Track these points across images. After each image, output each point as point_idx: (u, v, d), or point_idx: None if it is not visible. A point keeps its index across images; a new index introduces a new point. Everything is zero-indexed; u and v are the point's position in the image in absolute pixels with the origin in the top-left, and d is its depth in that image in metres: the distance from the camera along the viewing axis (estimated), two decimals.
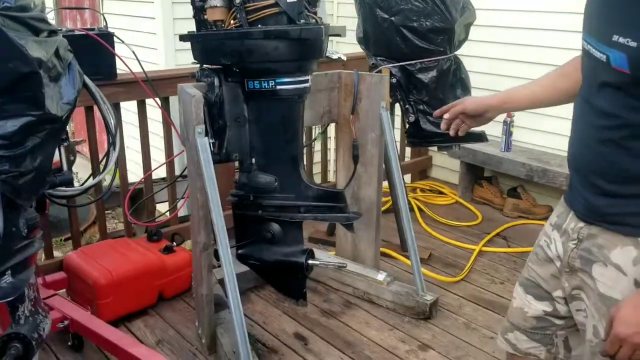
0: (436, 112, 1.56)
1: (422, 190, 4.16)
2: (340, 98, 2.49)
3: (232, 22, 1.85)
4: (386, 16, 2.71)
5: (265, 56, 1.84)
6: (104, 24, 2.50)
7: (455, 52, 2.85)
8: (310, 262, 2.09)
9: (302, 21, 1.83)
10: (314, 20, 1.88)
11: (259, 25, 1.82)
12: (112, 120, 1.92)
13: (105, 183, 2.24)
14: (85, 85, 1.87)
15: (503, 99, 1.50)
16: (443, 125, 1.54)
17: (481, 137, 3.01)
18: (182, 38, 1.96)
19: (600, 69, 1.12)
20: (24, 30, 1.42)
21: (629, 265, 1.12)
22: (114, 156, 1.92)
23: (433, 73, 2.80)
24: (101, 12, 5.26)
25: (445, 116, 1.53)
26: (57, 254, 2.90)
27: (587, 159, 1.20)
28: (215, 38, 1.88)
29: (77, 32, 2.34)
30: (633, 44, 1.04)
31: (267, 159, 2.03)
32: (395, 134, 2.90)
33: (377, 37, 2.79)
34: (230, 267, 1.84)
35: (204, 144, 1.87)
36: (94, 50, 2.37)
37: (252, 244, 2.15)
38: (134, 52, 2.41)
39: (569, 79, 1.34)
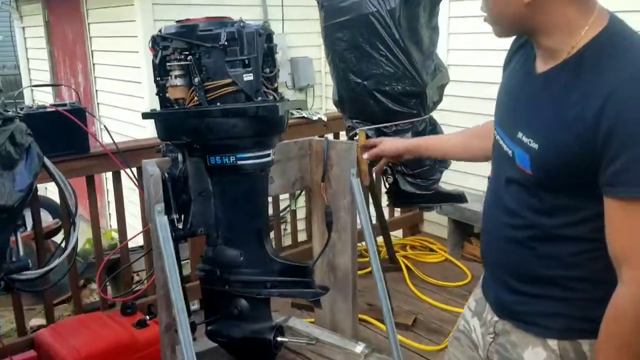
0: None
1: (412, 247, 4.11)
2: (312, 165, 2.47)
3: (192, 100, 1.86)
4: (359, 80, 2.73)
5: (225, 133, 1.83)
6: (78, 99, 2.53)
7: (430, 113, 2.86)
8: (278, 339, 2.03)
9: (260, 98, 1.83)
10: (272, 97, 1.88)
11: (218, 104, 1.82)
12: (72, 200, 1.91)
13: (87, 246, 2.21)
14: (44, 166, 1.88)
15: (418, 145, 1.65)
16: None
17: (461, 199, 2.99)
18: (144, 116, 1.96)
19: (507, 163, 1.12)
20: None
21: None
22: (74, 237, 1.89)
23: (408, 135, 2.79)
24: (92, 63, 5.37)
25: (365, 156, 1.72)
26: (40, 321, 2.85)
27: (495, 255, 1.19)
28: (176, 116, 1.88)
29: (48, 109, 2.36)
30: (535, 145, 1.04)
31: (231, 232, 2.00)
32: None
33: (352, 100, 2.82)
34: (190, 351, 1.78)
35: (164, 223, 1.85)
36: (66, 126, 2.39)
37: (221, 320, 2.09)
38: (105, 127, 2.45)
39: (483, 139, 1.34)
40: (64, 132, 2.39)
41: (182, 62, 1.83)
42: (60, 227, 4.45)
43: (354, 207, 2.40)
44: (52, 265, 1.95)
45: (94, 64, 5.30)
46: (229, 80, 1.80)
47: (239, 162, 1.89)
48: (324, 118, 3.47)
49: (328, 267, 2.52)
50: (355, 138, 3.12)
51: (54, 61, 6.26)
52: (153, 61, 1.91)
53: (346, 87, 2.80)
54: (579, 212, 1.04)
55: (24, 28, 6.92)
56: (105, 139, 2.53)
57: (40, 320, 3.55)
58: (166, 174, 1.95)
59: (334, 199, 2.43)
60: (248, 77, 1.81)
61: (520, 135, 1.07)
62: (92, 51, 5.28)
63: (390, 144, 1.63)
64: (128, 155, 2.48)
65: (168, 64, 1.87)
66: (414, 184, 2.95)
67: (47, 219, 4.66)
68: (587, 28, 1.01)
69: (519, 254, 1.11)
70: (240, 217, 1.99)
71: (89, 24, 5.16)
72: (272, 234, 3.26)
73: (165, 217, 1.86)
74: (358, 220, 2.39)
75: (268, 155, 1.94)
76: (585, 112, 0.97)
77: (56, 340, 2.37)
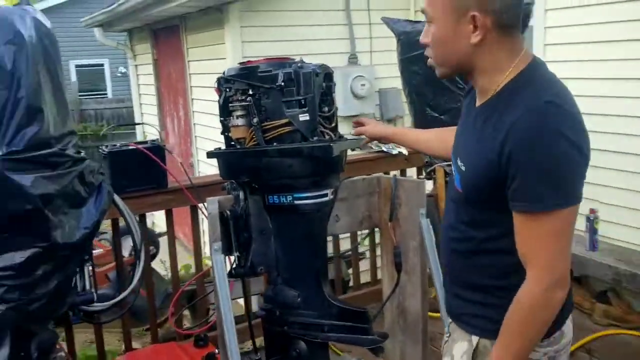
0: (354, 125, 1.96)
1: None
2: (381, 203, 2.39)
3: (251, 140, 1.87)
4: (436, 115, 2.65)
5: (281, 173, 1.82)
6: (158, 138, 2.66)
7: None
8: None
9: (316, 138, 1.81)
10: (329, 137, 1.85)
11: (275, 144, 1.82)
12: (137, 236, 1.98)
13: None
14: (114, 203, 1.97)
15: (395, 132, 1.94)
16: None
17: None
18: (209, 155, 2.01)
19: (452, 185, 1.32)
20: (35, 168, 1.52)
21: (458, 357, 1.32)
22: (139, 270, 1.96)
23: None
24: (190, 98, 5.67)
25: (352, 133, 1.92)
26: (135, 344, 2.99)
27: (445, 265, 1.40)
28: (235, 155, 1.90)
29: (130, 147, 2.49)
30: (464, 168, 1.23)
31: (290, 272, 1.97)
32: None
33: None
34: None
35: (220, 262, 1.86)
36: (147, 162, 2.51)
37: None
38: (181, 164, 2.53)
39: (444, 143, 1.54)
40: (144, 168, 2.52)
41: (243, 103, 1.86)
42: (154, 254, 4.71)
43: (423, 249, 2.28)
44: (116, 299, 2.03)
45: (192, 99, 5.61)
46: (285, 121, 1.80)
47: (296, 202, 1.86)
48: (405, 152, 3.37)
49: (398, 310, 2.41)
50: (433, 174, 3.00)
51: (160, 96, 6.72)
52: (218, 101, 1.96)
53: (423, 120, 2.72)
54: (499, 225, 1.18)
55: (136, 66, 7.52)
56: (203, 170, 2.61)
57: (135, 344, 3.74)
58: (228, 212, 1.97)
59: (403, 239, 2.33)
60: (304, 117, 1.79)
61: (458, 160, 1.26)
62: (190, 87, 5.60)
63: (373, 128, 1.89)
64: (202, 190, 2.55)
65: (230, 104, 1.90)
66: None
67: None
68: (510, 70, 1.18)
69: (460, 264, 1.30)
70: (297, 257, 1.96)
71: (188, 61, 5.49)
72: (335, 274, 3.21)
73: (222, 255, 1.87)
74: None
75: (325, 195, 1.90)
76: (495, 141, 1.14)
77: None
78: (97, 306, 1.90)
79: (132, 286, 1.99)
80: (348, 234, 3.30)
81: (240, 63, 1.93)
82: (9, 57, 1.48)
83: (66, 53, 14.19)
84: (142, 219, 2.64)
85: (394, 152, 3.37)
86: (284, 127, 1.81)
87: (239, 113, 1.88)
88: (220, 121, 1.99)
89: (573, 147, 1.09)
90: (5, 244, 1.48)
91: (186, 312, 5.04)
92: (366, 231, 3.37)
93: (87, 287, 1.84)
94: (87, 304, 1.83)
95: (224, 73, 1.93)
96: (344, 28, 4.74)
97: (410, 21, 3.04)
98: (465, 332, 1.31)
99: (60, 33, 13.97)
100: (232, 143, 1.94)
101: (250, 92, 1.83)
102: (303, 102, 1.79)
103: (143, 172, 2.52)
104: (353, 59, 4.92)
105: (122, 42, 7.63)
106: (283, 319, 2.00)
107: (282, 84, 1.78)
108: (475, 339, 1.28)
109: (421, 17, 1.47)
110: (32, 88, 1.52)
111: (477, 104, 1.26)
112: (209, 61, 4.98)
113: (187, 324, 4.47)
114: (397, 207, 2.31)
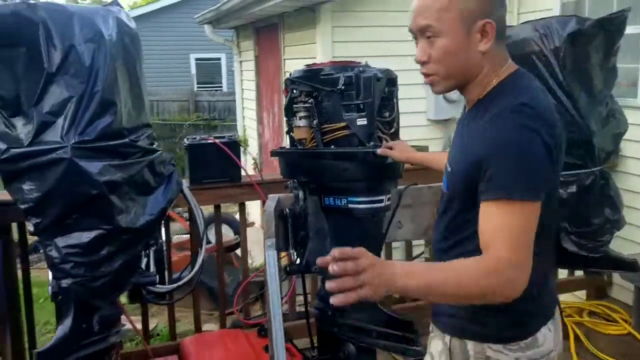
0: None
1: (592, 313, 3.58)
2: None
3: (311, 141, 1.90)
4: None
5: (337, 176, 1.84)
6: (236, 134, 2.77)
7: (602, 166, 2.48)
8: None
9: (372, 143, 1.80)
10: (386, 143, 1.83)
11: (332, 146, 1.84)
12: (201, 226, 2.09)
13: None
14: (182, 193, 2.09)
15: (422, 158, 1.84)
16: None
17: (634, 267, 2.53)
18: (272, 154, 2.07)
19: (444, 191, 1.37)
20: (104, 156, 1.66)
21: (437, 356, 1.35)
22: (201, 256, 2.07)
23: (572, 188, 2.46)
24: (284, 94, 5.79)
25: (378, 151, 1.78)
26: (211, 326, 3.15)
27: None
28: (295, 156, 1.94)
29: (208, 141, 2.62)
30: (449, 168, 1.31)
31: None
32: None
33: None
34: None
35: (272, 257, 1.91)
36: (224, 156, 2.63)
37: None
38: (254, 159, 2.62)
39: None
40: (220, 162, 2.64)
41: (306, 104, 1.89)
42: (238, 243, 4.91)
43: None
44: (177, 284, 2.15)
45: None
46: (343, 124, 1.81)
47: (350, 206, 1.87)
48: None
49: None
50: None
51: (259, 91, 6.97)
52: (285, 102, 2.01)
53: None
54: (474, 225, 1.18)
55: (241, 62, 7.85)
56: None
57: (213, 326, 3.93)
58: (287, 210, 2.02)
59: None
60: (362, 121, 1.79)
61: (447, 166, 1.33)
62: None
63: (400, 152, 1.79)
64: (272, 186, 2.62)
65: (295, 105, 1.94)
66: (579, 244, 2.58)
67: (228, 234, 5.18)
68: (495, 80, 1.25)
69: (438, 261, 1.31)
70: None
71: (284, 59, 5.64)
72: None
73: (275, 251, 1.92)
74: None
75: (381, 200, 1.89)
76: (475, 141, 1.21)
77: (195, 349, 2.60)
78: (162, 288, 2.03)
79: (192, 273, 2.11)
80: (422, 241, 3.23)
81: (307, 65, 1.97)
82: (89, 54, 1.62)
83: (186, 46, 15.17)
84: (217, 210, 2.77)
85: None
86: (341, 130, 1.82)
87: (302, 114, 1.92)
88: (286, 121, 2.04)
89: (543, 147, 1.14)
90: (74, 224, 1.63)
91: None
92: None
93: (152, 269, 1.98)
94: (151, 285, 1.95)
95: (290, 74, 1.97)
96: None
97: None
98: (440, 330, 1.36)
99: (180, 28, 14.83)
100: (295, 143, 1.98)
101: (313, 94, 1.86)
102: (362, 107, 1.79)
103: (219, 165, 2.64)
104: None
105: (229, 39, 8.00)
106: (334, 319, 2.01)
107: (342, 87, 1.79)
108: (447, 338, 1.32)
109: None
110: (107, 83, 1.66)
111: (466, 111, 1.33)
112: (302, 60, 5.07)
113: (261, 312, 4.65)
114: None
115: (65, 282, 1.66)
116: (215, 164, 2.65)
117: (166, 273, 2.08)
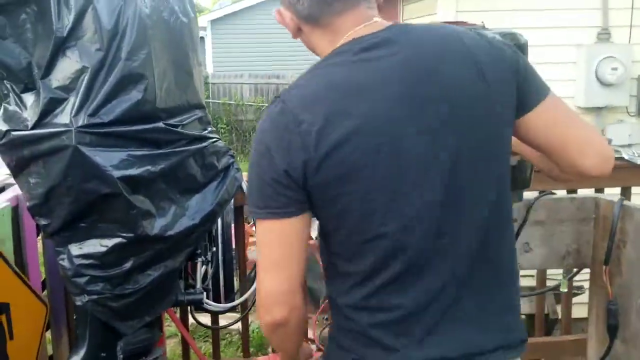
0: None
1: None
2: (597, 236, 1.69)
3: None
4: None
5: None
6: None
7: None
8: None
9: None
10: None
11: None
12: None
13: None
14: (242, 190, 1.68)
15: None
16: None
17: None
18: None
19: None
20: (124, 144, 1.29)
21: None
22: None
23: None
24: None
25: None
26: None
27: None
28: None
29: None
30: None
31: None
32: None
33: None
34: None
35: None
36: None
37: None
38: None
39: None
40: None
41: None
42: None
43: None
44: (232, 304, 1.74)
45: None
46: None
47: None
48: None
49: None
50: None
51: None
52: None
53: None
54: None
55: None
56: None
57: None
58: None
59: (623, 293, 1.61)
60: None
61: None
62: None
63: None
64: None
65: None
66: None
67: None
68: None
69: None
70: None
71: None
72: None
73: None
74: None
75: None
76: None
77: None
78: (211, 307, 1.66)
79: (251, 289, 1.70)
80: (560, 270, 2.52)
81: None
82: (111, 13, 1.25)
83: None
84: None
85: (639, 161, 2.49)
86: None
87: None
88: None
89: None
90: (89, 229, 1.29)
91: None
92: None
93: (198, 285, 1.60)
94: (193, 305, 1.59)
95: None
96: None
97: None
98: None
99: None
100: None
101: None
102: None
103: None
104: (604, 35, 3.93)
105: None
106: None
107: None
108: None
109: None
110: (134, 51, 1.28)
111: None
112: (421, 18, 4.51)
113: None
114: (619, 246, 1.59)
115: (79, 300, 1.33)
116: None
117: (222, 289, 1.68)
